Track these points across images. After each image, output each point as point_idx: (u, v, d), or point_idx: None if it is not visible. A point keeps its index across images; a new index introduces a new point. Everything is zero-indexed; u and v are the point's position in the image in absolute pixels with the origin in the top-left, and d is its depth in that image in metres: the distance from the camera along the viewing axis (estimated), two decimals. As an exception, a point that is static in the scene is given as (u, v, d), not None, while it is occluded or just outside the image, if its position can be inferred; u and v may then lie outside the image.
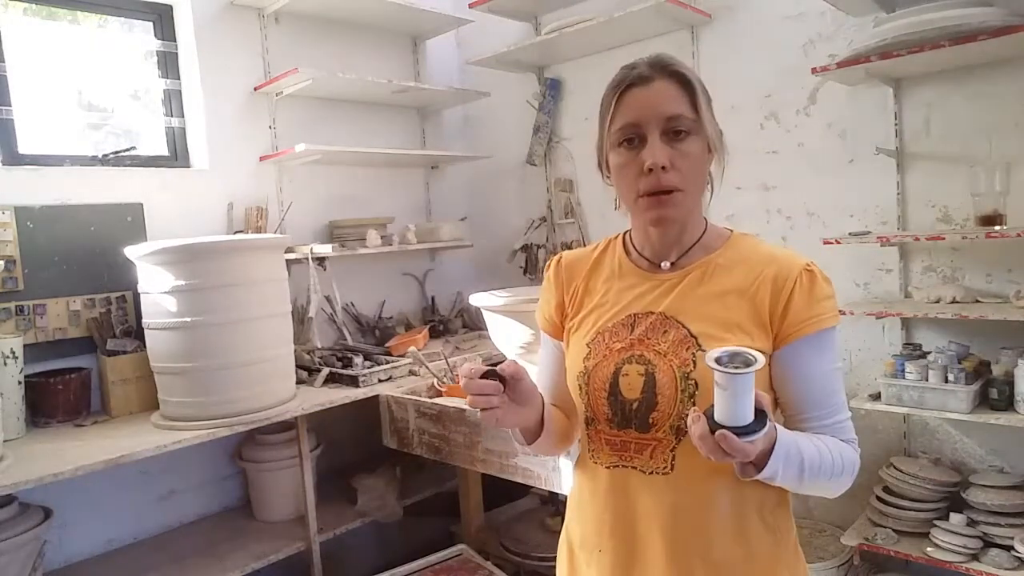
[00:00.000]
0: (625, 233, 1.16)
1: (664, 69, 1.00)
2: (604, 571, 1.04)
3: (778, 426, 0.89)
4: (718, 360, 0.81)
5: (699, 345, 0.98)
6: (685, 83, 1.00)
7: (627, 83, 1.01)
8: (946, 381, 1.98)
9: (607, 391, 1.02)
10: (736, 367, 0.80)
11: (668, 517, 0.98)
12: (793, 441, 0.90)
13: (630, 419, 1.00)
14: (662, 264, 1.07)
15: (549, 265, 1.21)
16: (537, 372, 1.23)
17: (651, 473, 0.99)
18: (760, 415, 0.82)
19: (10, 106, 2.28)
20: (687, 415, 0.88)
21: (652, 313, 1.03)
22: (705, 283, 1.03)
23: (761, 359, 0.80)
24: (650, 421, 0.98)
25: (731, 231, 1.10)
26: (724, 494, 0.97)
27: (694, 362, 0.97)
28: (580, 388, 1.06)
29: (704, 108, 1.00)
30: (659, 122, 0.98)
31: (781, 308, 0.99)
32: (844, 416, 1.01)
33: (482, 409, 0.93)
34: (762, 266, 1.02)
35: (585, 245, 1.28)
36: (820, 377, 1.00)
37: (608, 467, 1.03)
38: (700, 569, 0.97)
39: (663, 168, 0.97)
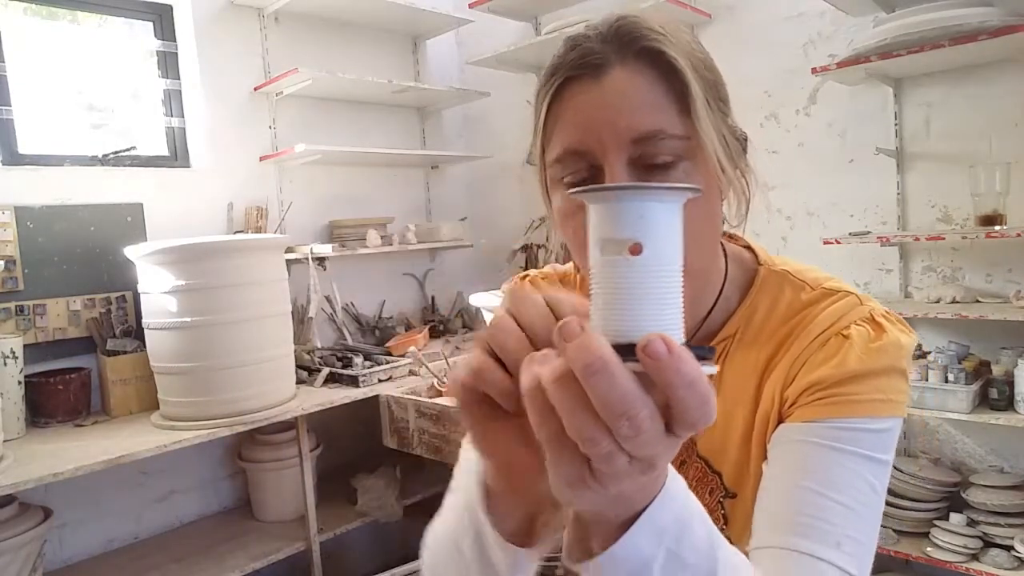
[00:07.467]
0: None
1: (628, 46, 0.59)
2: None
3: (676, 475, 0.43)
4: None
5: (725, 489, 0.69)
6: (667, 69, 0.59)
7: (564, 76, 0.61)
8: (946, 381, 1.98)
9: None
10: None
11: None
12: (703, 523, 0.44)
13: None
14: None
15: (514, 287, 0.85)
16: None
17: None
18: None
19: (10, 106, 2.28)
20: None
21: None
22: (725, 378, 0.69)
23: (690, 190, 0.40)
24: None
25: (757, 262, 0.73)
26: None
27: (724, 517, 0.69)
28: None
29: (703, 111, 0.59)
30: (622, 145, 0.58)
31: (791, 380, 0.64)
32: (829, 556, 0.56)
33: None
34: (785, 333, 0.67)
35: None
36: (806, 489, 0.58)
37: None
38: None
39: None
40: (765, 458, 0.65)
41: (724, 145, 0.61)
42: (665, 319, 0.38)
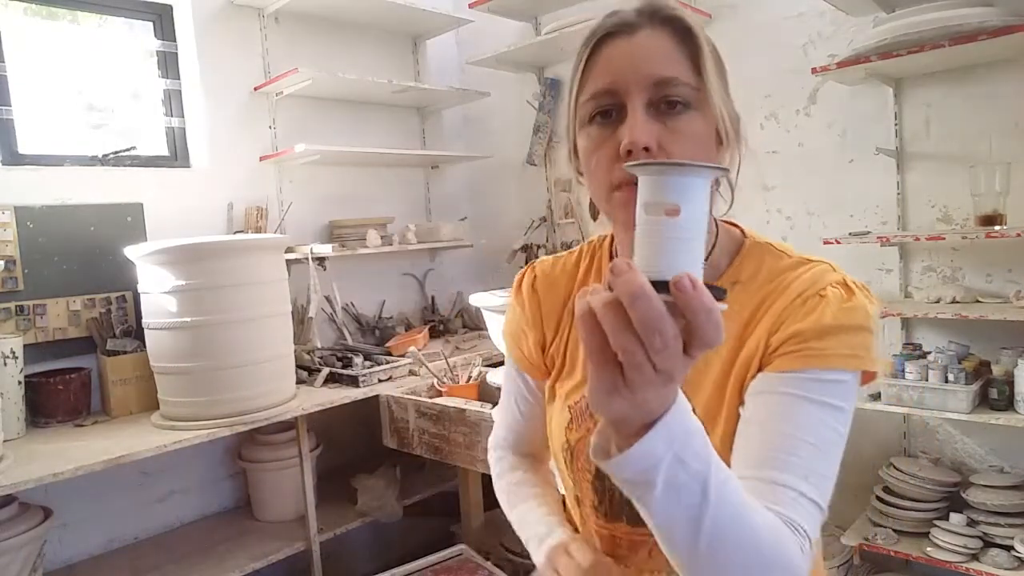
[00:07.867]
0: (613, 238, 0.90)
1: (656, 14, 0.74)
2: None
3: (683, 397, 0.53)
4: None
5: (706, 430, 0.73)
6: (685, 34, 0.74)
7: (602, 33, 0.76)
8: (946, 381, 1.98)
9: (592, 473, 0.83)
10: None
11: None
12: (702, 436, 0.54)
13: (620, 510, 0.82)
14: None
15: (520, 279, 0.97)
16: (501, 409, 1.02)
17: (651, 573, 0.81)
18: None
19: (10, 106, 2.28)
20: None
21: None
22: None
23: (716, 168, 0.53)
24: None
25: (744, 235, 0.85)
26: None
27: None
28: (565, 463, 0.87)
29: (712, 73, 0.73)
30: (644, 87, 0.71)
31: (775, 330, 0.73)
32: (798, 486, 0.65)
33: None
34: (766, 293, 0.76)
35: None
36: (780, 431, 0.68)
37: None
38: None
39: (646, 150, 0.69)
40: (741, 402, 0.74)
41: (727, 105, 0.75)
42: (691, 265, 0.49)
